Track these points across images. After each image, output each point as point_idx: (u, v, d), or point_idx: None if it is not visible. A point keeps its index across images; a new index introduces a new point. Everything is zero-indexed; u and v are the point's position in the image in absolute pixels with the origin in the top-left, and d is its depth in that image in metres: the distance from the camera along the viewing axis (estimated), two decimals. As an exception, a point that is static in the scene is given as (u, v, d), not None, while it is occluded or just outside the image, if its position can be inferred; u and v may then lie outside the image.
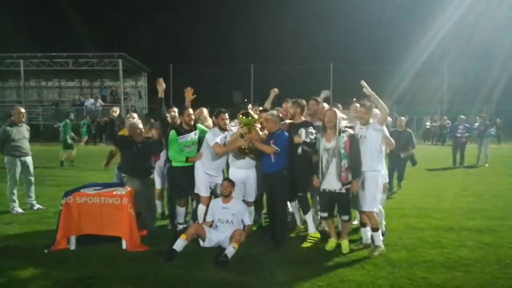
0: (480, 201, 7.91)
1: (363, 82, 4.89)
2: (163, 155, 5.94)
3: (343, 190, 4.79)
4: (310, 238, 5.16)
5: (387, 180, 5.73)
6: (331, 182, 4.83)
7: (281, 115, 5.67)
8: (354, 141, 4.79)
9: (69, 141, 13.57)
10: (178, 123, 5.64)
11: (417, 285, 3.99)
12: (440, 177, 11.26)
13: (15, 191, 6.86)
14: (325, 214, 5.00)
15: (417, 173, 10.28)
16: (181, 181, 5.54)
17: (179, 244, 4.66)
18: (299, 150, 5.16)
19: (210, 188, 5.46)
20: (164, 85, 5.74)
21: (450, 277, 4.16)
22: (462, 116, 14.00)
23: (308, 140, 5.10)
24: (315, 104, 5.65)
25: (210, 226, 5.15)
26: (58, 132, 20.29)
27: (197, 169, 5.41)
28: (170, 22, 38.12)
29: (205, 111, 6.16)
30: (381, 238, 4.90)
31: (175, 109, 6.00)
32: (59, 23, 35.96)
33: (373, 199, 4.83)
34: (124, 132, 5.86)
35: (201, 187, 5.38)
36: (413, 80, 28.54)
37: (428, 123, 25.79)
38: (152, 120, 6.15)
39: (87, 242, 4.93)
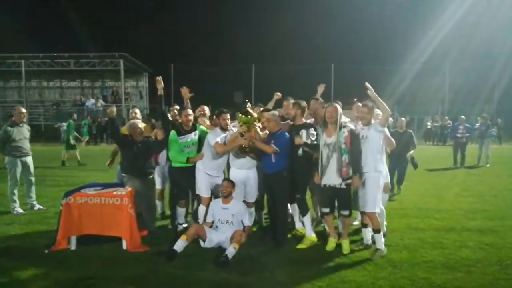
0: (481, 201, 7.89)
1: (367, 84, 4.85)
2: (162, 155, 5.93)
3: (343, 186, 4.80)
4: (306, 240, 5.14)
5: (389, 180, 5.72)
6: (331, 177, 4.83)
7: (283, 112, 5.65)
8: (354, 137, 4.81)
9: (72, 141, 13.58)
10: (179, 121, 5.63)
11: (418, 285, 3.98)
12: (441, 178, 11.26)
13: (15, 192, 6.86)
14: (327, 210, 4.99)
15: (417, 173, 10.24)
16: (181, 181, 5.53)
17: (180, 245, 4.66)
18: (300, 151, 5.14)
19: (211, 188, 5.44)
20: (163, 83, 5.71)
21: (451, 277, 4.15)
22: (462, 116, 13.98)
23: (309, 141, 5.08)
24: (315, 103, 5.63)
25: (211, 226, 5.14)
26: (59, 132, 20.47)
27: (198, 169, 5.41)
28: (170, 22, 38.03)
29: (206, 109, 6.14)
30: (383, 240, 4.87)
31: (177, 107, 5.98)
32: (59, 23, 35.87)
33: (375, 200, 4.80)
34: (124, 131, 5.85)
35: (202, 188, 5.37)
36: (414, 80, 28.58)
37: (429, 123, 25.77)
38: (153, 121, 6.14)
39: (88, 242, 4.93)
